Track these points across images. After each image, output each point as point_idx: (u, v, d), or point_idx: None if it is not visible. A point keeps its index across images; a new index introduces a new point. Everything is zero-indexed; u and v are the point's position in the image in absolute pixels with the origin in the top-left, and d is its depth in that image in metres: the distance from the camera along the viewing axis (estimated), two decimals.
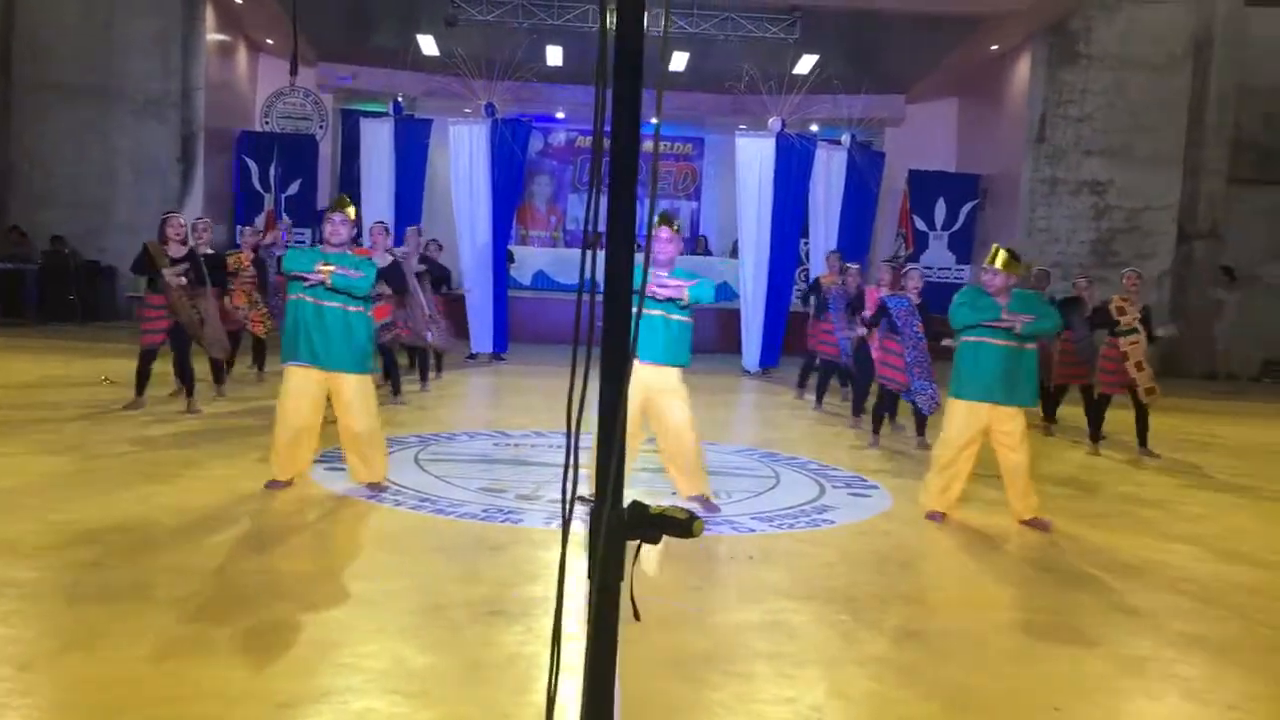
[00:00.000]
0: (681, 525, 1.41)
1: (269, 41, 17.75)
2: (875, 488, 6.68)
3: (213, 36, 16.14)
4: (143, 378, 7.93)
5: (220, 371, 8.94)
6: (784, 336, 13.61)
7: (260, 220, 15.91)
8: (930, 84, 18.53)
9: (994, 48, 16.62)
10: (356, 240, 6.38)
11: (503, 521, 5.32)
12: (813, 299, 10.75)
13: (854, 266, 10.29)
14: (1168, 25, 15.85)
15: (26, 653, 3.32)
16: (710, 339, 15.29)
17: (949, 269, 17.65)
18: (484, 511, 5.49)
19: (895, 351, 7.98)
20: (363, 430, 5.65)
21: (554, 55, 16.88)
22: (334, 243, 5.66)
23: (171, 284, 7.65)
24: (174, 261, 7.71)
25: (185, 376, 7.99)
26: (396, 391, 9.08)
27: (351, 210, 5.82)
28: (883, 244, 18.16)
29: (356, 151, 14.49)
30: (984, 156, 17.92)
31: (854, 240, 13.68)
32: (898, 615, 4.21)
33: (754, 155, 13.11)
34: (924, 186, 17.84)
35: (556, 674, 1.44)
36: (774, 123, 12.97)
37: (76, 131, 15.38)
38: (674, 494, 5.82)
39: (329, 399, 5.72)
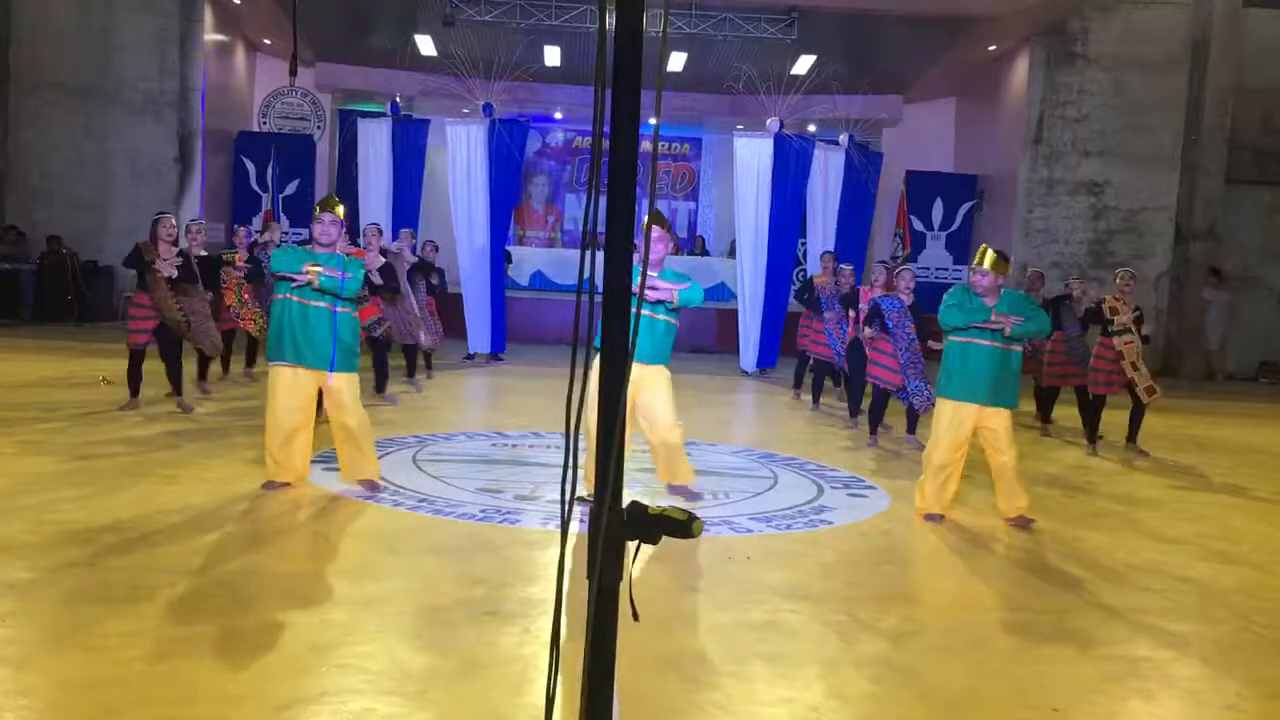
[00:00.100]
0: (681, 525, 1.41)
1: (267, 42, 17.73)
2: (873, 488, 6.68)
3: (211, 37, 16.11)
4: (135, 379, 7.92)
5: (204, 368, 8.98)
6: (781, 337, 13.60)
7: (258, 220, 15.90)
8: (928, 85, 18.53)
9: (991, 48, 16.61)
10: (354, 241, 6.38)
11: (501, 522, 5.32)
12: (806, 298, 10.77)
13: (847, 267, 10.31)
14: (1165, 26, 15.85)
15: (22, 654, 3.32)
16: (708, 339, 15.29)
17: (946, 269, 17.63)
18: (482, 512, 5.49)
19: (887, 352, 8.00)
20: (356, 425, 5.67)
21: (552, 55, 16.87)
22: (323, 243, 5.65)
23: (162, 273, 7.63)
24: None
25: (172, 376, 7.99)
26: (380, 389, 8.95)
27: (341, 209, 5.80)
28: (880, 244, 18.15)
29: (354, 152, 14.45)
30: (981, 157, 17.91)
31: (852, 241, 13.66)
32: (895, 616, 4.21)
33: (752, 155, 13.09)
34: (921, 187, 17.82)
35: (555, 674, 1.44)
36: (772, 123, 12.96)
37: (74, 131, 15.34)
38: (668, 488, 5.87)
39: (319, 398, 5.73)
